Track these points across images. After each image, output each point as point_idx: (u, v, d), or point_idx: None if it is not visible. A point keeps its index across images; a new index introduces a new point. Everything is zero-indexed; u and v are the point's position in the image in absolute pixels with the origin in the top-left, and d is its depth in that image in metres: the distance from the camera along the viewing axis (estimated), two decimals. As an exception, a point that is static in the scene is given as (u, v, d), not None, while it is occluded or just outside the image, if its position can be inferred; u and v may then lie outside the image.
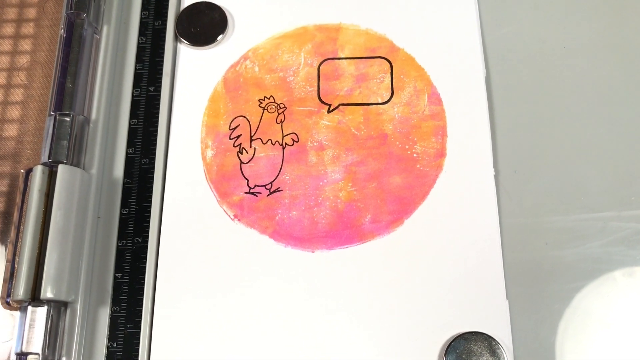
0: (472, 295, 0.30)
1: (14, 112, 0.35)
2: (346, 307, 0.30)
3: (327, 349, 0.29)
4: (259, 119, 0.33)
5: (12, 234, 0.33)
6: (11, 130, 0.35)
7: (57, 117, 0.32)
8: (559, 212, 0.31)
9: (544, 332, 0.30)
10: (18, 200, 0.33)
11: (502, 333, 0.29)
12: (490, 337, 0.29)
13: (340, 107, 0.33)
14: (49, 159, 0.32)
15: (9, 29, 0.37)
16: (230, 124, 0.33)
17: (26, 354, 0.29)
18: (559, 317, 0.30)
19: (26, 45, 0.37)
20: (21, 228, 0.32)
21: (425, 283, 0.30)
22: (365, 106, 0.33)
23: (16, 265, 0.31)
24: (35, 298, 0.30)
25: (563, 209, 0.32)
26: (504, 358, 0.29)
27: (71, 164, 0.32)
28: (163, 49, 0.35)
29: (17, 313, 0.30)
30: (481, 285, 0.30)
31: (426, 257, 0.30)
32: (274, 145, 0.33)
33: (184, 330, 0.30)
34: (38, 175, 0.31)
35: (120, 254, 0.32)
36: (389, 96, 0.33)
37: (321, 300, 0.30)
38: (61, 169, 0.31)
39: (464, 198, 0.31)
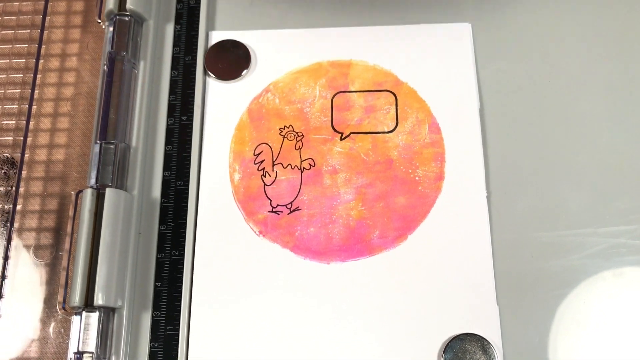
0: (467, 301, 0.34)
1: (61, 139, 0.40)
2: (357, 312, 0.34)
3: (339, 348, 0.33)
4: (280, 145, 0.37)
5: (67, 244, 0.37)
6: (59, 155, 0.39)
7: (103, 145, 0.36)
8: (543, 229, 0.35)
9: (530, 333, 0.33)
10: (71, 215, 0.37)
11: (493, 334, 0.33)
12: (482, 337, 0.33)
13: (352, 135, 0.37)
14: (96, 182, 0.36)
15: (54, 63, 0.41)
16: (255, 150, 0.37)
17: (82, 353, 0.33)
18: (543, 320, 0.34)
19: (70, 77, 0.41)
20: (73, 243, 0.36)
21: (426, 290, 0.34)
22: (373, 134, 0.37)
23: (70, 275, 0.36)
24: (88, 304, 0.34)
25: (547, 226, 0.35)
26: (494, 356, 0.32)
27: (115, 187, 0.36)
28: (194, 82, 0.39)
29: (72, 317, 0.34)
30: (475, 292, 0.34)
31: (427, 268, 0.34)
32: (293, 169, 0.37)
33: (218, 331, 0.34)
34: (88, 197, 0.35)
35: (159, 265, 0.36)
36: (394, 126, 0.37)
37: (335, 305, 0.34)
38: (108, 192, 0.35)
39: (460, 216, 0.35)
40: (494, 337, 0.33)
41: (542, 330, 0.34)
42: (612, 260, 0.35)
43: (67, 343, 0.35)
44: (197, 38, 0.40)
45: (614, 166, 0.36)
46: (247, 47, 0.39)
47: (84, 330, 0.33)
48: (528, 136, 0.37)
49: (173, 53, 0.40)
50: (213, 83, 0.39)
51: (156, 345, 0.34)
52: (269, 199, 0.36)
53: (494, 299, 0.34)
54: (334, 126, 0.38)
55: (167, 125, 0.38)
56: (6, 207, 0.38)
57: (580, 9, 0.40)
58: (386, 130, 0.37)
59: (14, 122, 0.40)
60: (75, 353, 0.33)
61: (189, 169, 0.37)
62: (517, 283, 0.34)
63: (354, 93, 0.38)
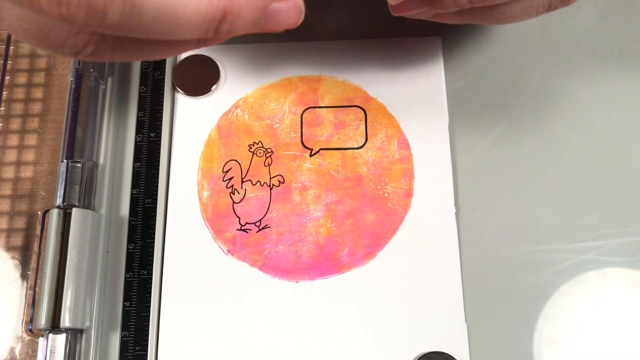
0: (435, 319, 0.34)
1: (29, 156, 0.39)
2: (325, 331, 0.34)
3: (310, 368, 0.33)
4: (249, 162, 0.37)
5: (34, 264, 0.36)
6: (27, 172, 0.39)
7: (70, 164, 0.36)
8: (511, 245, 0.35)
9: (499, 351, 0.33)
10: (38, 235, 0.37)
11: (461, 352, 0.33)
12: (450, 356, 0.33)
13: (321, 151, 0.37)
14: (63, 202, 0.36)
15: (22, 78, 0.41)
16: (224, 167, 0.37)
17: (48, 376, 0.33)
18: (512, 337, 0.34)
19: (38, 93, 0.41)
20: (40, 261, 0.36)
21: (395, 308, 0.34)
22: (343, 150, 0.37)
23: (37, 296, 0.35)
24: (54, 326, 0.34)
25: (515, 242, 0.35)
26: (462, 374, 0.33)
27: (83, 207, 0.35)
28: (162, 97, 0.39)
29: (39, 339, 0.34)
30: (443, 309, 0.34)
31: (395, 286, 0.34)
32: (262, 186, 0.37)
33: (187, 351, 0.34)
34: (54, 218, 0.35)
35: (128, 284, 0.35)
36: (364, 142, 0.37)
37: (303, 324, 0.34)
38: (75, 213, 0.35)
39: (428, 233, 0.35)
40: (462, 355, 0.33)
41: (511, 347, 0.34)
42: (581, 276, 0.35)
43: (35, 365, 0.34)
44: (166, 53, 0.40)
45: (582, 182, 0.36)
46: (216, 62, 0.39)
47: (51, 353, 0.33)
48: (497, 152, 0.37)
49: (142, 69, 0.40)
50: (182, 99, 0.39)
51: (124, 366, 0.34)
52: (238, 217, 0.36)
53: (462, 316, 0.34)
54: (304, 142, 0.37)
55: (136, 142, 0.38)
56: (-27, 226, 0.38)
57: (549, 22, 0.40)
58: (355, 146, 0.37)
59: (-19, 139, 0.40)
60: (41, 376, 0.33)
61: (157, 186, 0.37)
62: (485, 300, 0.34)
63: (323, 109, 0.38)
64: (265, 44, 0.40)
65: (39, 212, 0.37)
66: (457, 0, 0.29)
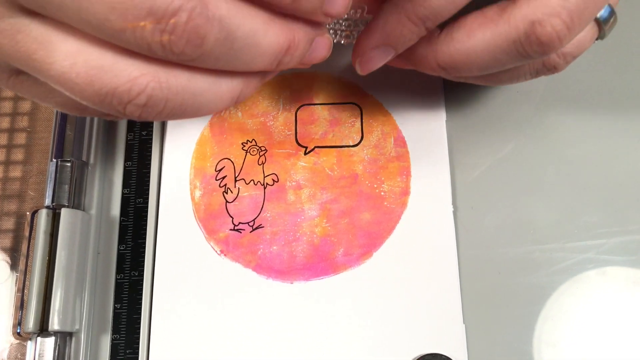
0: (433, 320, 0.33)
1: (19, 155, 0.38)
2: (321, 332, 0.33)
3: (305, 370, 0.33)
4: (242, 161, 0.37)
5: (22, 265, 0.36)
6: (16, 172, 0.38)
7: (59, 163, 0.35)
8: (510, 245, 0.34)
9: (498, 352, 0.33)
10: (26, 236, 0.36)
11: (459, 354, 0.32)
12: (448, 358, 0.32)
13: (316, 149, 0.36)
14: (52, 202, 0.35)
15: (11, 76, 0.40)
16: (216, 165, 0.36)
17: (37, 381, 0.32)
18: (511, 339, 0.33)
19: (27, 91, 0.40)
20: (29, 263, 0.35)
21: (391, 309, 0.33)
22: (338, 148, 0.36)
23: (25, 298, 0.35)
24: (43, 329, 0.33)
25: (514, 242, 0.34)
26: (460, 377, 0.32)
27: (72, 206, 0.35)
28: (154, 95, 0.38)
29: (27, 343, 0.34)
30: (441, 310, 0.33)
31: (392, 286, 0.34)
32: (256, 185, 0.36)
33: (179, 354, 0.33)
34: (43, 218, 0.34)
35: (118, 286, 0.35)
36: (359, 139, 0.37)
37: (298, 326, 0.33)
38: (64, 213, 0.34)
39: (426, 232, 0.34)
40: (460, 357, 0.32)
41: (510, 349, 0.33)
42: (581, 276, 0.34)
43: (24, 368, 0.34)
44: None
45: (582, 180, 0.36)
46: (209, 58, 0.38)
47: (39, 357, 0.32)
48: (496, 149, 0.36)
49: (133, 65, 0.39)
50: (174, 96, 0.38)
51: (115, 369, 0.33)
52: (231, 217, 0.35)
53: (460, 317, 0.33)
54: (298, 140, 0.37)
55: (127, 140, 0.37)
56: (-39, 227, 0.37)
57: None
58: (351, 144, 0.36)
59: (-31, 138, 0.39)
60: (29, 381, 0.32)
61: (148, 186, 0.36)
62: (484, 300, 0.34)
63: (318, 106, 0.37)
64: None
65: (28, 213, 0.37)
66: (437, 69, 0.30)
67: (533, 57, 0.27)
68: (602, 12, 0.29)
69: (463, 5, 0.27)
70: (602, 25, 0.29)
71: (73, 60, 0.22)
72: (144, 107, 0.23)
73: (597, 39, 0.30)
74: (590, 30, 0.29)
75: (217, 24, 0.21)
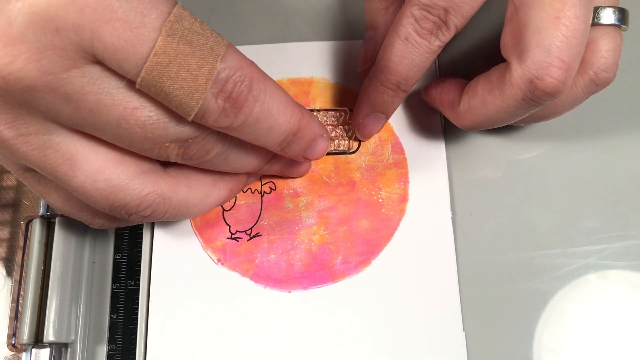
0: (432, 328, 0.32)
1: (13, 164, 0.38)
2: (319, 341, 0.33)
3: (304, 380, 0.32)
4: (239, 168, 0.36)
5: (17, 275, 0.35)
6: (10, 181, 0.38)
7: (54, 172, 0.35)
8: (510, 250, 0.34)
9: (498, 359, 0.33)
10: (21, 245, 0.36)
11: (459, 362, 0.32)
12: (448, 366, 0.32)
13: (313, 156, 0.36)
14: (46, 211, 0.34)
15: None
16: (213, 173, 0.36)
17: (32, 393, 0.32)
18: (511, 346, 0.33)
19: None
20: (24, 272, 0.35)
21: (391, 317, 0.33)
22: (335, 155, 0.36)
23: (20, 308, 0.34)
24: (38, 341, 0.32)
25: (514, 247, 0.34)
26: (461, 385, 0.32)
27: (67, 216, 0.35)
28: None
29: (22, 355, 0.33)
30: (440, 318, 0.33)
31: (391, 294, 0.33)
32: (253, 193, 0.36)
33: (175, 365, 0.33)
34: (37, 228, 0.34)
35: (114, 296, 0.34)
36: (357, 146, 0.36)
37: (297, 335, 0.33)
38: (58, 222, 0.34)
39: (424, 239, 0.34)
40: (460, 365, 0.32)
41: (511, 356, 0.33)
42: (582, 281, 0.34)
43: (19, 381, 0.33)
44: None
45: (583, 184, 0.35)
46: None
47: (34, 369, 0.32)
48: (495, 154, 0.36)
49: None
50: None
51: (112, 380, 0.33)
52: (228, 225, 0.35)
53: (460, 324, 0.33)
54: (295, 147, 0.36)
55: (122, 148, 0.37)
56: (-45, 237, 0.37)
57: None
58: (348, 151, 0.36)
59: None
60: (24, 393, 0.32)
61: (144, 194, 0.36)
62: (484, 307, 0.33)
63: (315, 112, 0.37)
64: (255, 45, 0.38)
65: (22, 222, 0.36)
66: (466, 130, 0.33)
67: (546, 102, 0.29)
68: (614, 20, 0.30)
69: (427, 67, 0.31)
70: (621, 25, 0.30)
71: (94, 178, 0.26)
72: (146, 217, 0.29)
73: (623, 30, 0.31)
74: (615, 37, 0.30)
75: (219, 147, 0.28)
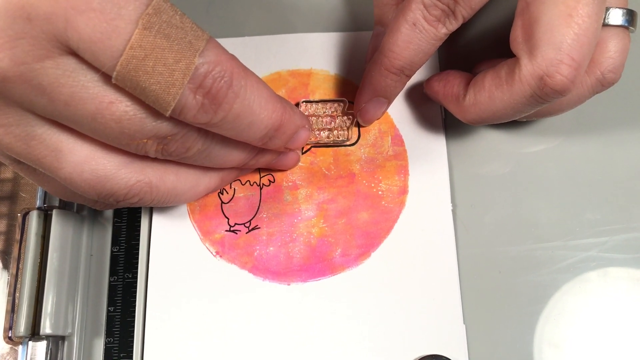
0: (432, 321, 0.32)
1: (10, 156, 0.38)
2: (319, 334, 0.32)
3: (303, 373, 0.32)
4: (238, 160, 0.36)
5: (13, 268, 0.35)
6: (7, 173, 0.37)
7: (51, 164, 0.35)
8: (511, 243, 0.34)
9: (499, 353, 0.32)
10: (17, 238, 0.35)
11: (459, 355, 0.32)
12: (448, 359, 0.32)
13: (312, 149, 0.36)
14: (43, 203, 0.34)
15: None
16: (211, 165, 0.36)
17: (28, 386, 0.32)
18: (511, 338, 0.32)
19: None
20: (20, 265, 0.35)
21: (391, 310, 0.33)
22: (335, 148, 0.36)
23: (17, 301, 0.34)
24: (35, 333, 0.32)
25: (515, 240, 0.34)
26: (461, 378, 0.31)
27: (64, 208, 0.34)
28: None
29: (19, 347, 0.33)
30: (440, 311, 0.32)
31: (390, 287, 0.33)
32: (252, 185, 0.35)
33: (174, 358, 0.32)
34: (34, 220, 0.33)
35: (112, 289, 0.34)
36: (357, 138, 0.36)
37: (296, 328, 0.33)
38: (55, 214, 0.33)
39: (424, 231, 0.34)
40: (460, 358, 0.32)
41: (511, 350, 0.32)
42: (583, 274, 0.33)
43: (15, 374, 0.33)
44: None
45: (584, 176, 0.35)
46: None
47: (31, 362, 0.32)
48: (496, 146, 0.36)
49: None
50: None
51: (109, 374, 0.33)
52: (227, 218, 0.35)
53: (461, 317, 0.32)
54: (294, 139, 0.36)
55: (120, 140, 0.37)
56: (-49, 229, 0.36)
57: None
58: (348, 143, 0.36)
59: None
60: (20, 386, 0.31)
61: (142, 186, 0.35)
62: (484, 300, 0.33)
63: (314, 104, 0.36)
64: (254, 37, 0.38)
65: (19, 214, 0.36)
66: (469, 124, 0.33)
67: (554, 100, 0.29)
68: (622, 21, 0.30)
69: (432, 54, 0.31)
70: (629, 26, 0.30)
71: (80, 169, 0.26)
72: (134, 204, 0.29)
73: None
74: (623, 38, 0.30)
75: (200, 144, 0.28)
